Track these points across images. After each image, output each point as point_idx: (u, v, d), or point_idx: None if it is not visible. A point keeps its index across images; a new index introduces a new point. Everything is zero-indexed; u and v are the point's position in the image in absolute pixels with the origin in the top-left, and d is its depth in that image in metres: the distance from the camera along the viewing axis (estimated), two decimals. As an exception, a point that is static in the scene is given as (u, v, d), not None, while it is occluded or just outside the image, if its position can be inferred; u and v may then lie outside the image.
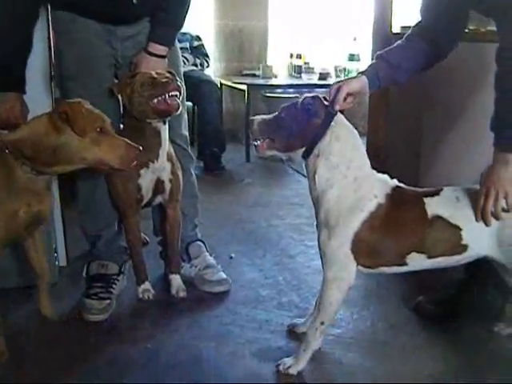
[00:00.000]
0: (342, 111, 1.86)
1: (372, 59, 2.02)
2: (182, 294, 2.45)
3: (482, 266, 2.01)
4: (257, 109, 5.38)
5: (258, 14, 6.24)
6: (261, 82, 5.61)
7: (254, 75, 5.91)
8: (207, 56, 5.65)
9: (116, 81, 2.33)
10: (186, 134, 2.56)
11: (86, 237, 2.55)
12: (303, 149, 1.84)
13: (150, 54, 2.24)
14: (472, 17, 2.09)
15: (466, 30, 2.52)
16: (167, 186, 2.35)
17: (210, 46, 6.03)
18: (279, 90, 5.85)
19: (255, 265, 2.84)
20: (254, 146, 1.93)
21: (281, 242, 3.16)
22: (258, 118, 1.91)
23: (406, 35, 2.02)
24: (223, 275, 2.57)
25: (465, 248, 1.78)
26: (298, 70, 6.02)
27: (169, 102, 2.12)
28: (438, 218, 1.77)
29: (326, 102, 1.84)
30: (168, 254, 2.53)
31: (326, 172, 1.80)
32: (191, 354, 2.04)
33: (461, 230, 1.76)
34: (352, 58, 5.99)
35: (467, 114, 2.74)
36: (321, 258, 1.87)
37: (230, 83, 5.69)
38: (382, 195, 1.80)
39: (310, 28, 6.30)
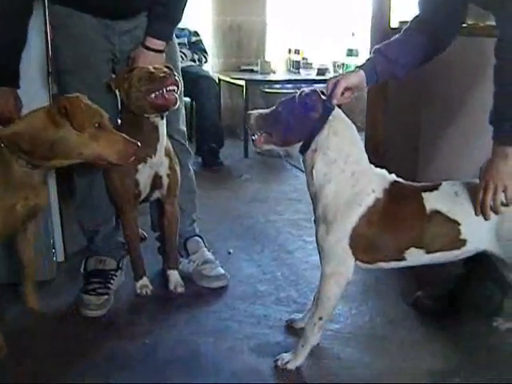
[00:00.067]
0: (339, 106, 1.86)
1: (370, 54, 2.02)
2: (180, 289, 2.45)
3: (481, 261, 2.00)
4: (255, 104, 5.36)
5: (256, 10, 6.23)
6: (259, 77, 5.60)
7: (252, 71, 5.89)
8: (205, 51, 5.63)
9: (114, 76, 2.32)
10: (184, 129, 2.56)
11: (84, 232, 2.55)
12: (300, 143, 1.83)
13: (148, 48, 2.23)
14: (470, 11, 2.08)
15: (465, 25, 2.51)
16: (165, 181, 2.34)
17: (208, 41, 6.01)
18: (277, 86, 5.84)
19: (253, 260, 2.83)
20: (252, 140, 1.92)
21: (279, 238, 3.16)
22: (255, 112, 1.90)
23: (403, 29, 2.01)
24: (221, 270, 2.56)
25: (463, 243, 1.78)
26: (296, 66, 6.01)
27: (166, 96, 2.11)
28: (437, 212, 1.77)
29: (323, 97, 1.83)
30: (166, 250, 2.52)
31: (324, 167, 1.80)
32: (189, 350, 2.04)
33: (459, 224, 1.76)
34: (350, 53, 5.97)
35: (466, 109, 2.73)
36: (319, 253, 1.87)
37: (228, 79, 5.68)
38: (379, 190, 1.79)
39: (309, 23, 6.28)
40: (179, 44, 2.62)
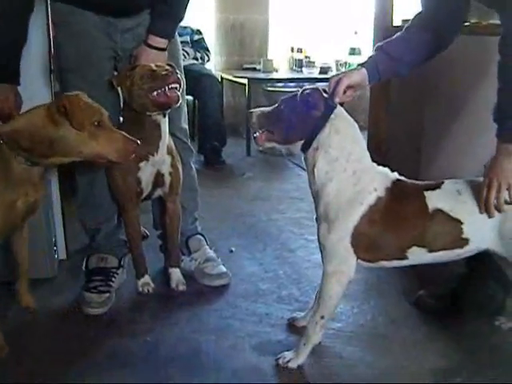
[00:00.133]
0: (341, 104, 1.85)
1: (372, 52, 2.01)
2: (182, 287, 2.44)
3: (484, 260, 2.00)
4: (257, 103, 5.36)
5: (258, 8, 6.23)
6: (261, 76, 5.61)
7: (254, 69, 5.90)
8: (208, 50, 5.63)
9: (116, 73, 2.32)
10: (186, 127, 2.55)
11: (86, 230, 2.55)
12: (302, 141, 1.83)
13: (150, 46, 2.23)
14: (473, 10, 2.07)
15: (468, 23, 2.51)
16: (167, 179, 2.34)
17: (211, 39, 6.01)
18: (280, 84, 5.84)
19: (255, 258, 2.83)
20: (253, 137, 1.92)
21: (281, 236, 3.15)
22: (257, 110, 1.90)
23: (405, 26, 2.00)
24: (223, 269, 2.56)
25: (466, 242, 1.77)
26: (298, 64, 6.01)
27: (168, 94, 2.10)
28: (439, 211, 1.76)
29: (325, 95, 1.82)
30: (168, 248, 2.52)
31: (326, 165, 1.79)
32: (191, 348, 2.03)
33: (462, 223, 1.75)
34: (353, 51, 5.98)
35: (469, 107, 2.72)
36: (321, 251, 1.86)
37: (230, 77, 5.68)
38: (381, 188, 1.79)
39: (311, 22, 6.28)
40: (182, 42, 2.61)
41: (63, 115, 1.80)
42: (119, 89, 2.26)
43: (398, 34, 1.99)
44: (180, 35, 2.54)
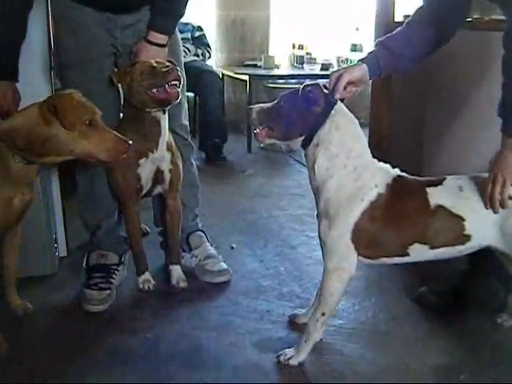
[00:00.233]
0: (342, 100, 1.84)
1: (373, 47, 2.00)
2: (183, 284, 2.44)
3: (486, 257, 1.99)
4: (258, 99, 5.34)
5: (260, 4, 6.21)
6: (263, 72, 5.58)
7: (255, 66, 5.88)
8: (209, 46, 5.62)
9: (116, 69, 2.31)
10: (187, 123, 2.55)
11: (86, 227, 2.54)
12: (302, 138, 1.82)
13: (150, 42, 2.22)
14: (475, 5, 2.06)
15: (470, 19, 2.50)
16: (167, 175, 2.34)
17: (212, 36, 6.00)
18: (281, 81, 5.81)
19: (256, 255, 2.83)
20: (253, 133, 1.91)
21: (282, 233, 3.15)
22: (257, 106, 1.89)
23: (406, 21, 1.98)
24: (224, 265, 2.56)
25: (468, 238, 1.76)
26: (300, 61, 6.00)
27: (168, 90, 2.09)
28: (441, 207, 1.75)
29: (325, 91, 1.82)
30: (168, 244, 2.52)
31: (326, 161, 1.78)
32: (191, 344, 2.03)
33: (464, 220, 1.74)
34: (354, 48, 5.97)
35: (472, 103, 2.71)
36: (321, 248, 1.86)
37: (231, 74, 5.67)
38: (382, 185, 1.78)
39: (312, 18, 6.27)
40: (182, 39, 2.60)
41: (53, 114, 1.80)
42: (119, 85, 2.25)
43: (399, 28, 1.98)
44: (181, 32, 2.53)
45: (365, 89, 4.62)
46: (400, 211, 1.78)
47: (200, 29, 5.58)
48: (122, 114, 2.33)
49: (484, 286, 2.21)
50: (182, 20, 2.37)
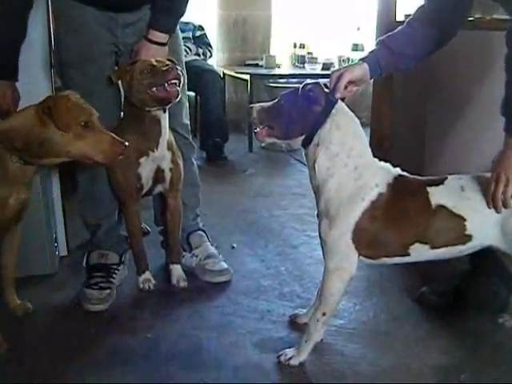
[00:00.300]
0: (342, 99, 1.84)
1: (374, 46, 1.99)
2: (183, 283, 2.43)
3: (487, 257, 1.98)
4: (260, 99, 5.33)
5: (261, 4, 6.21)
6: (264, 71, 5.58)
7: (257, 65, 5.88)
8: (210, 46, 5.62)
9: (116, 68, 2.31)
10: (187, 122, 2.54)
11: (86, 226, 2.54)
12: (303, 137, 1.81)
13: (151, 41, 2.21)
14: (477, 4, 2.05)
15: (471, 18, 2.50)
16: (167, 175, 2.33)
17: (213, 35, 6.00)
18: (282, 80, 5.81)
19: (257, 255, 2.82)
20: (254, 132, 1.91)
21: (283, 233, 3.14)
22: (257, 105, 1.89)
23: (407, 20, 1.98)
24: (224, 265, 2.55)
25: (469, 238, 1.76)
26: (301, 60, 6.00)
27: (168, 89, 2.09)
28: (442, 207, 1.74)
29: (326, 90, 1.81)
30: (169, 244, 2.51)
31: (327, 161, 1.77)
32: (192, 344, 2.03)
33: (465, 219, 1.73)
34: (356, 47, 5.97)
35: (473, 102, 2.70)
36: (322, 248, 1.85)
37: (232, 73, 5.66)
38: (383, 184, 1.77)
39: (314, 18, 6.26)
40: (184, 38, 2.60)
41: (49, 116, 1.79)
42: (120, 84, 2.25)
43: (400, 27, 1.97)
44: (182, 31, 2.52)
45: (366, 88, 4.63)
46: (401, 211, 1.77)
47: (201, 28, 5.57)
48: (122, 113, 2.33)
49: (485, 286, 2.21)
50: (183, 19, 2.36)
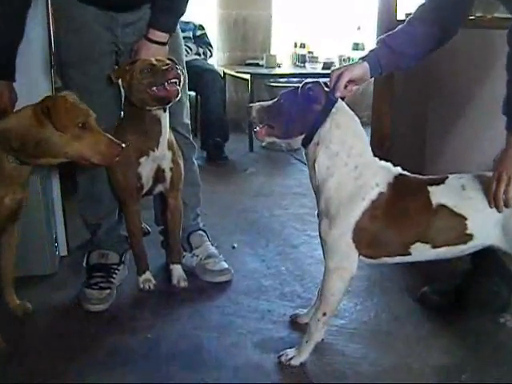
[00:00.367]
0: (342, 98, 1.83)
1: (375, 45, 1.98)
2: (184, 283, 2.43)
3: (488, 256, 1.98)
4: (260, 98, 5.31)
5: (261, 3, 6.21)
6: (264, 71, 5.58)
7: (257, 65, 5.88)
8: (210, 45, 5.62)
9: (116, 67, 2.30)
10: (188, 122, 2.54)
11: (87, 226, 2.54)
12: (302, 136, 1.80)
13: (151, 40, 2.21)
14: (478, 3, 2.05)
15: (472, 17, 2.49)
16: (168, 174, 2.32)
17: (214, 35, 6.00)
18: (283, 80, 5.81)
19: (258, 255, 2.82)
20: (254, 132, 1.91)
21: (283, 232, 3.14)
22: (257, 104, 1.88)
23: (408, 19, 1.97)
24: (225, 265, 2.55)
25: (470, 237, 1.75)
26: (301, 60, 5.99)
27: (168, 88, 2.08)
28: (443, 207, 1.74)
29: (326, 89, 1.80)
30: (169, 244, 2.51)
31: (327, 160, 1.77)
32: (192, 344, 2.02)
33: (466, 219, 1.73)
34: (356, 47, 5.96)
35: (475, 101, 2.70)
36: (322, 247, 1.85)
37: (233, 73, 5.66)
38: (383, 184, 1.76)
39: (314, 17, 6.26)
40: (184, 38, 2.59)
41: (46, 116, 1.79)
42: (120, 83, 2.24)
43: (401, 26, 1.96)
44: (182, 30, 2.52)
45: (367, 87, 4.62)
46: (401, 210, 1.77)
47: (201, 28, 5.57)
48: (122, 113, 2.32)
49: (486, 285, 2.20)
50: (184, 19, 2.36)
